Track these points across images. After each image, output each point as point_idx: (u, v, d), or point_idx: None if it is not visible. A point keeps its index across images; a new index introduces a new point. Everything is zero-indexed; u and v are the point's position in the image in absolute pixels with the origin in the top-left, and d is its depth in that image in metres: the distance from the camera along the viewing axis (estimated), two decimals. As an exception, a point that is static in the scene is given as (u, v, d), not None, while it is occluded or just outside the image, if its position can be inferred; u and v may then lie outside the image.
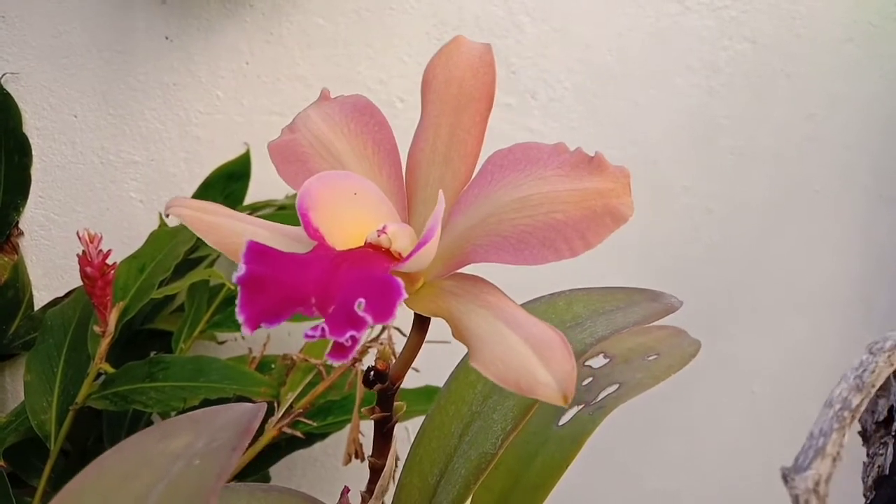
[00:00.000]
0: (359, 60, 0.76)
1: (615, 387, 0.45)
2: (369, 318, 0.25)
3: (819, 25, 0.76)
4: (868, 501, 0.46)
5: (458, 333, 0.28)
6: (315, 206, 0.29)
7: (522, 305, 0.42)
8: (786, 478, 0.31)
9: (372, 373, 0.35)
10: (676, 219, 0.82)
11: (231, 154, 0.77)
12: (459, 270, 0.31)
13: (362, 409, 0.39)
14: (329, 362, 0.34)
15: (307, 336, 0.25)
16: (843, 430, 0.34)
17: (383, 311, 0.25)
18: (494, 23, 0.75)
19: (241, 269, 0.26)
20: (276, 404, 0.58)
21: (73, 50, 0.74)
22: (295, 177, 0.33)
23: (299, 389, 0.57)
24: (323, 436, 0.67)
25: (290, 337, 0.79)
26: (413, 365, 0.59)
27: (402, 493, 0.42)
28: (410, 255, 0.28)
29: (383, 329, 0.53)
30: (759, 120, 0.80)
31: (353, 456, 0.54)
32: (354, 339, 0.25)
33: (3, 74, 0.73)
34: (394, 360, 0.36)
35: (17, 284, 0.77)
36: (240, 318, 0.25)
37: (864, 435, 0.49)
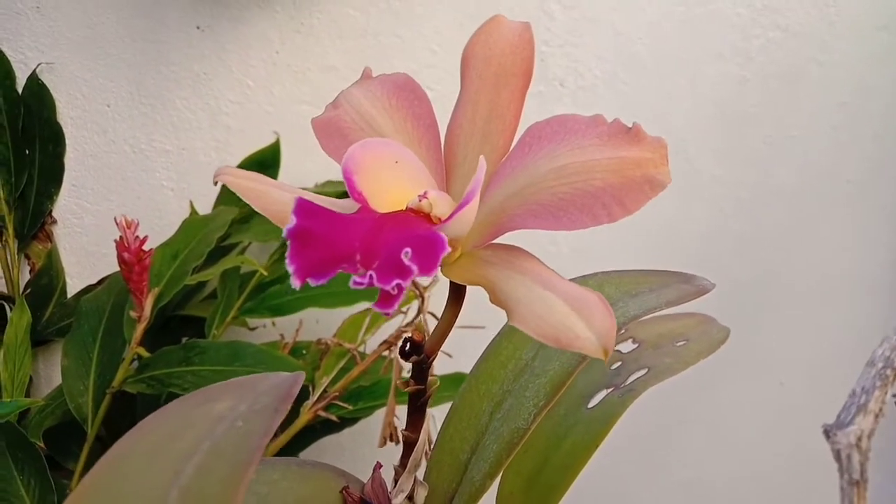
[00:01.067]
0: (389, 51, 0.76)
1: (644, 371, 0.46)
2: (415, 268, 0.26)
3: (853, 13, 0.76)
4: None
5: (496, 298, 0.29)
6: (359, 170, 0.30)
7: None
8: (827, 433, 0.32)
9: (409, 344, 0.36)
10: (706, 207, 0.82)
11: (261, 143, 0.77)
12: (495, 241, 0.32)
13: (397, 382, 0.39)
14: (376, 311, 0.35)
15: (355, 283, 0.26)
16: (886, 387, 0.34)
17: (428, 261, 0.26)
18: (524, 11, 0.75)
19: (292, 220, 0.27)
20: (310, 388, 0.58)
21: (106, 40, 0.75)
22: (337, 150, 0.34)
23: (333, 374, 0.57)
24: (353, 421, 0.67)
25: (318, 324, 0.80)
26: (445, 350, 0.59)
27: (433, 471, 0.42)
28: (451, 215, 0.29)
29: (418, 313, 0.53)
30: (790, 108, 0.79)
31: (388, 439, 0.54)
32: (400, 288, 0.26)
33: (39, 65, 0.74)
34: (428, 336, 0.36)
35: (51, 272, 0.78)
36: (290, 268, 0.26)
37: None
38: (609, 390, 0.45)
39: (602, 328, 0.27)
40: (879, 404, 0.33)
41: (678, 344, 0.47)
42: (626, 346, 0.48)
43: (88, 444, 0.63)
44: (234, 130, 0.78)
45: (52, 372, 0.81)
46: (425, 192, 0.30)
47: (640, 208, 0.28)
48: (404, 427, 0.40)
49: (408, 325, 0.53)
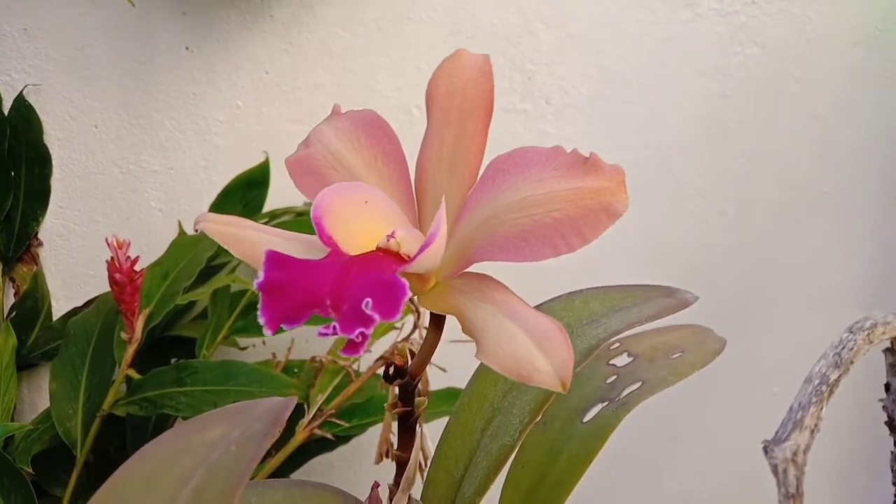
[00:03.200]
0: (377, 69, 0.77)
1: (639, 384, 0.46)
2: (376, 317, 0.27)
3: (828, 30, 0.78)
4: (901, 489, 0.46)
5: (466, 328, 0.30)
6: (328, 214, 0.31)
7: (541, 305, 0.43)
8: (766, 449, 0.33)
9: (391, 368, 0.37)
10: (691, 221, 0.83)
11: (250, 162, 0.78)
12: (468, 270, 0.33)
13: (385, 405, 0.40)
14: (343, 357, 0.35)
15: (321, 334, 0.27)
16: (822, 403, 0.36)
17: (389, 308, 0.27)
18: (510, 30, 0.77)
19: (261, 276, 0.28)
20: (305, 406, 0.58)
21: (94, 61, 0.75)
22: (311, 189, 0.34)
23: (328, 391, 0.57)
24: (347, 439, 0.67)
25: (308, 343, 0.79)
26: (441, 365, 0.59)
27: (429, 488, 0.43)
28: (415, 256, 0.29)
29: (414, 328, 0.53)
30: (769, 123, 0.81)
31: (385, 455, 0.54)
32: (364, 336, 0.27)
33: (25, 86, 0.74)
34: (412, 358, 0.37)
35: (37, 294, 0.78)
36: (261, 320, 0.27)
37: (892, 425, 0.50)
38: (604, 404, 0.46)
39: (559, 360, 0.28)
40: (815, 420, 0.35)
41: (673, 356, 0.48)
42: (622, 360, 0.49)
43: (77, 469, 0.62)
44: (224, 150, 0.78)
45: (36, 397, 0.80)
46: (393, 232, 0.31)
47: (598, 237, 0.29)
48: (397, 446, 0.40)
49: (403, 340, 0.53)
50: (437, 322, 0.35)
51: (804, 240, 0.86)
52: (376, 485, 0.43)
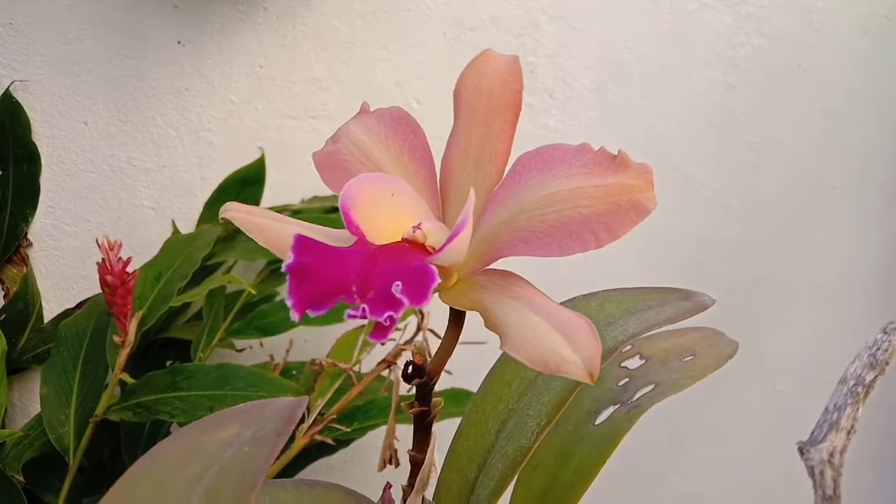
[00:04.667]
0: (375, 63, 0.75)
1: (651, 387, 0.46)
2: (406, 301, 0.27)
3: (836, 20, 0.77)
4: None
5: (490, 323, 0.30)
6: (355, 204, 0.31)
7: None
8: (801, 450, 0.32)
9: (410, 368, 0.37)
10: (696, 214, 0.82)
11: (245, 159, 0.76)
12: (490, 266, 0.33)
13: (402, 405, 0.40)
14: (371, 342, 0.37)
15: (349, 315, 0.27)
16: (857, 404, 0.35)
17: (419, 293, 0.27)
18: (512, 22, 0.75)
19: (290, 257, 0.28)
20: (305, 411, 0.56)
21: (83, 56, 0.73)
22: (338, 184, 0.35)
23: (329, 395, 0.55)
24: (347, 442, 0.65)
25: (306, 344, 0.78)
26: (446, 368, 0.58)
27: (441, 490, 0.43)
28: (443, 246, 0.29)
29: (418, 330, 0.52)
30: (776, 115, 0.80)
31: (388, 462, 0.52)
32: (392, 320, 0.27)
33: (12, 83, 0.72)
34: (430, 357, 0.37)
35: (27, 297, 0.75)
36: (289, 302, 0.28)
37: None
38: (616, 407, 0.45)
39: (588, 352, 0.28)
40: (851, 421, 0.34)
41: (685, 359, 0.48)
42: (634, 363, 0.49)
43: (70, 476, 0.61)
44: (218, 147, 0.76)
45: (27, 401, 0.78)
46: (419, 224, 0.31)
47: (627, 233, 0.29)
48: (410, 448, 0.40)
49: (406, 342, 0.51)
50: (458, 319, 0.35)
51: (810, 233, 0.85)
52: (388, 486, 0.42)
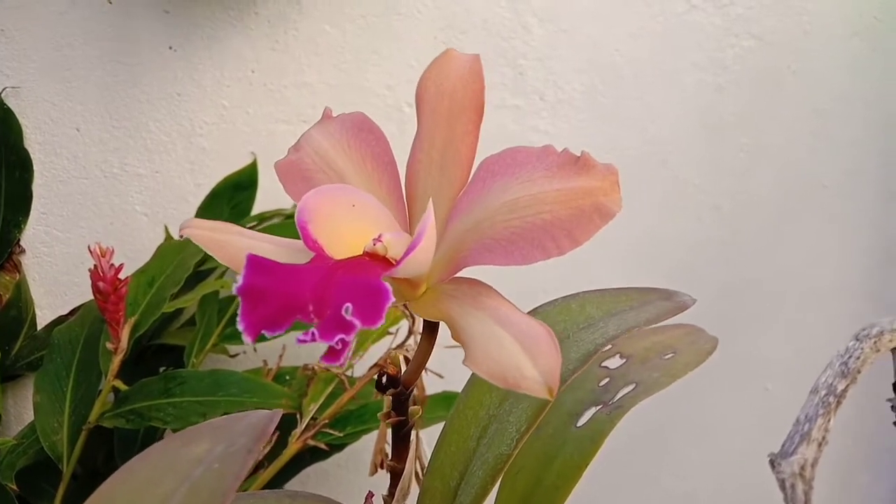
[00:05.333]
0: (366, 67, 0.75)
1: (632, 386, 0.45)
2: (357, 322, 0.26)
3: (825, 21, 0.77)
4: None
5: (455, 335, 0.29)
6: (313, 218, 0.30)
7: (537, 309, 0.42)
8: (773, 463, 0.32)
9: (384, 378, 0.36)
10: (686, 217, 0.82)
11: (238, 164, 0.76)
12: (460, 274, 0.32)
13: (378, 415, 0.40)
14: (322, 365, 0.35)
15: (299, 340, 0.26)
16: (829, 415, 0.34)
17: (371, 314, 0.26)
18: (502, 24, 0.75)
19: (240, 280, 0.27)
20: (298, 416, 0.56)
21: (75, 63, 0.73)
22: (300, 194, 0.34)
23: (321, 400, 0.55)
24: (341, 447, 0.65)
25: (300, 349, 0.78)
26: (437, 371, 0.58)
27: (425, 497, 0.42)
28: (402, 259, 0.29)
29: (409, 334, 0.52)
30: (766, 116, 0.80)
31: (380, 466, 0.52)
32: (344, 343, 0.26)
33: (4, 89, 0.72)
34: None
35: (20, 304, 0.75)
36: (240, 326, 0.26)
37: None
38: (598, 408, 0.45)
39: (546, 367, 0.27)
40: (822, 432, 0.34)
41: (666, 357, 0.47)
42: (614, 362, 0.48)
43: (64, 483, 0.61)
44: (210, 152, 0.76)
45: (22, 408, 0.78)
46: (380, 235, 0.30)
47: (589, 239, 0.28)
48: (391, 456, 0.39)
49: (398, 346, 0.51)
50: (431, 329, 0.34)
51: (801, 235, 0.85)
52: (370, 494, 0.42)
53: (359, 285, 0.27)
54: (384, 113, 0.75)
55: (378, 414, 0.38)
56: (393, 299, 0.26)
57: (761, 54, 0.78)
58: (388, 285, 0.27)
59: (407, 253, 0.29)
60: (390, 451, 0.39)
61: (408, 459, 0.39)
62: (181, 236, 0.33)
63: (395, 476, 0.39)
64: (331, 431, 0.55)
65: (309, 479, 0.82)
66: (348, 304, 0.26)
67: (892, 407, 0.49)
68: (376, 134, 0.34)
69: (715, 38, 0.77)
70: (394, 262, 0.30)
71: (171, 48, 0.73)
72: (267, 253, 0.30)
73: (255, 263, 0.27)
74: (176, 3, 0.73)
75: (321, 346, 0.69)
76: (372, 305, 0.26)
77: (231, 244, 0.33)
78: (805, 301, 0.87)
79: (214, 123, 0.76)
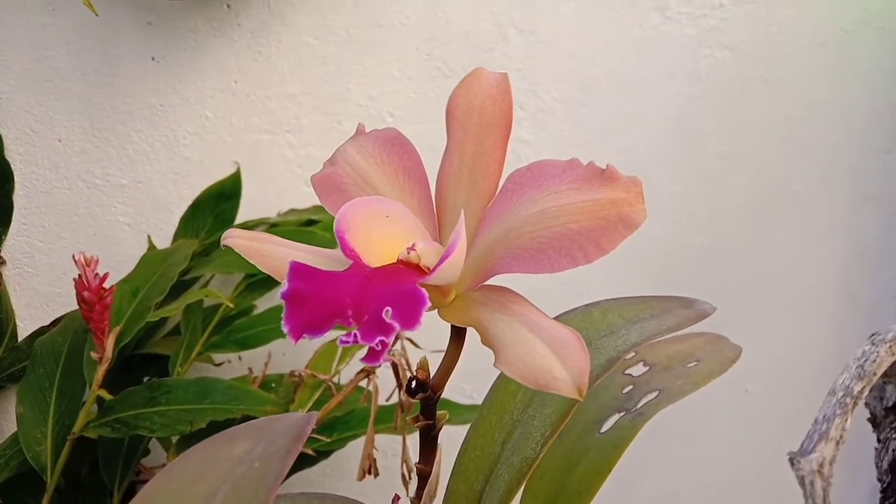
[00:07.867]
0: (349, 78, 0.76)
1: (655, 393, 0.46)
2: (396, 325, 0.27)
3: (794, 32, 0.79)
4: (884, 486, 0.46)
5: (485, 339, 0.31)
6: (350, 228, 0.32)
7: (558, 317, 0.43)
8: (792, 461, 0.33)
9: (414, 382, 0.37)
10: (664, 224, 0.83)
11: (221, 174, 0.76)
12: (488, 282, 0.33)
13: (407, 418, 0.40)
14: (365, 366, 0.37)
15: (342, 342, 0.28)
16: (846, 415, 0.36)
17: (409, 318, 0.28)
18: (483, 36, 0.76)
19: (285, 285, 0.29)
20: (284, 423, 0.56)
21: (56, 73, 0.73)
22: (335, 206, 0.35)
23: (308, 406, 0.56)
24: (328, 454, 0.66)
25: (285, 357, 0.78)
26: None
27: (449, 500, 0.43)
28: (436, 267, 0.30)
29: (395, 339, 0.53)
30: (740, 125, 0.82)
31: (367, 471, 0.53)
32: (384, 344, 0.27)
33: (-16, 100, 0.72)
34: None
35: (0, 315, 0.75)
36: (285, 329, 0.28)
37: (874, 421, 0.50)
38: (621, 414, 0.46)
39: (576, 368, 0.28)
40: (840, 431, 0.35)
41: (689, 365, 0.48)
42: (638, 370, 0.49)
43: (48, 495, 0.60)
44: (193, 162, 0.76)
45: (3, 420, 0.77)
46: (413, 245, 0.32)
47: (615, 248, 0.30)
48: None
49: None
50: (459, 335, 0.35)
51: (776, 239, 0.87)
52: (396, 497, 0.43)
53: (397, 291, 0.28)
54: (367, 123, 0.76)
55: (407, 418, 0.39)
56: (429, 304, 0.28)
57: (734, 64, 0.80)
58: (424, 290, 0.28)
59: (441, 262, 0.30)
60: (418, 454, 0.40)
61: (435, 463, 0.40)
62: (223, 246, 0.34)
63: (423, 479, 0.40)
64: (318, 437, 0.55)
65: (294, 488, 0.82)
66: (388, 308, 0.27)
67: (866, 404, 0.50)
68: (408, 148, 0.36)
69: (689, 49, 0.79)
70: (426, 270, 0.31)
71: (153, 59, 0.74)
72: (305, 261, 0.32)
73: (298, 270, 0.29)
74: (158, 15, 0.73)
75: (305, 354, 0.69)
76: (410, 310, 0.28)
77: (271, 254, 0.34)
78: (782, 303, 0.89)
79: (197, 134, 0.76)
